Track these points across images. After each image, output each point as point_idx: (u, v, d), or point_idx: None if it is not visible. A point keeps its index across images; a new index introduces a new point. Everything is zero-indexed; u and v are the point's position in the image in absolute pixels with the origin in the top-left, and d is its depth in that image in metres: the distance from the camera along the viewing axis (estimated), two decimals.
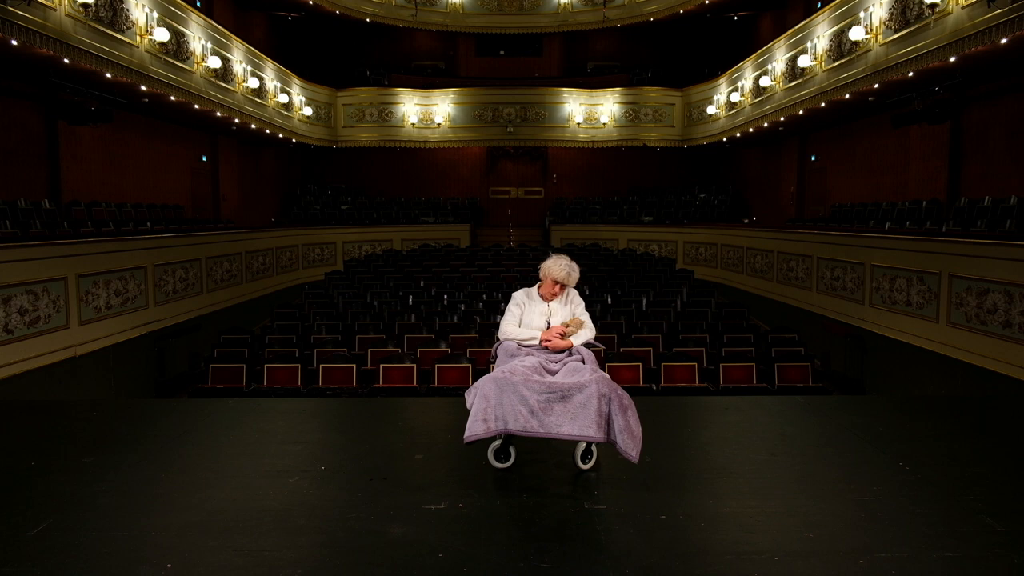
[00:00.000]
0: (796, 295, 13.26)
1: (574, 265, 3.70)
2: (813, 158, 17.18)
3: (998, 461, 3.63)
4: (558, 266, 3.65)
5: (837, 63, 12.88)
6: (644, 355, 8.50)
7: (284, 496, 3.14)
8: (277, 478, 3.35)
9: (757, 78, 16.69)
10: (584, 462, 3.43)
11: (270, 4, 19.70)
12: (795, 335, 10.09)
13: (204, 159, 17.10)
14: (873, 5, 11.55)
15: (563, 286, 3.70)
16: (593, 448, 3.45)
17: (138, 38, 11.28)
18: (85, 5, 9.76)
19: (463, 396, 3.45)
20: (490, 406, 3.26)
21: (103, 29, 10.37)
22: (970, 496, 3.13)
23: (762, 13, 19.81)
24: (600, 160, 23.37)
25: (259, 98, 16.50)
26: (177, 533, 2.79)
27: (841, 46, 12.75)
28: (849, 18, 12.41)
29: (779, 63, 15.47)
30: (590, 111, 21.19)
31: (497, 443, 3.44)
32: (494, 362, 3.74)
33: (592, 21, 21.11)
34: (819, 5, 15.61)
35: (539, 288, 3.78)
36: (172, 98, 12.67)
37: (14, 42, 8.69)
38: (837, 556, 2.61)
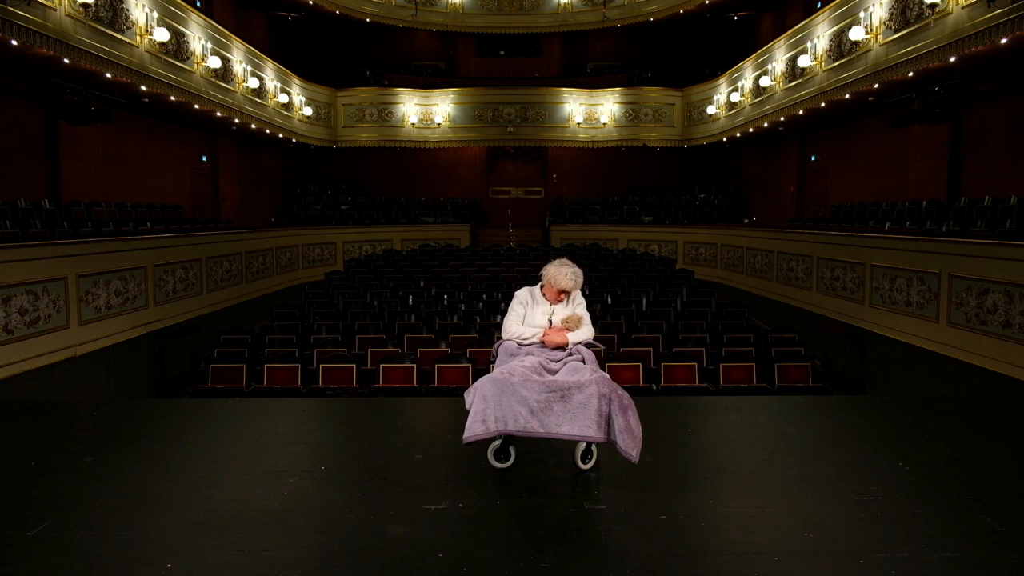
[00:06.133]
0: (796, 295, 13.26)
1: (579, 272, 3.64)
2: (813, 158, 17.18)
3: (998, 461, 3.63)
4: (562, 274, 3.59)
5: (837, 63, 12.87)
6: (644, 355, 8.50)
7: (284, 496, 3.14)
8: (277, 478, 3.35)
9: (757, 78, 16.69)
10: (584, 462, 3.43)
11: (270, 4, 19.70)
12: (795, 335, 10.09)
13: (204, 159, 17.10)
14: (873, 5, 11.55)
15: (568, 292, 3.69)
16: (593, 448, 3.45)
17: (138, 38, 11.28)
18: (85, 5, 9.76)
19: (463, 396, 3.45)
20: (489, 407, 3.26)
21: (103, 29, 10.37)
22: (970, 496, 3.13)
23: (762, 13, 19.80)
24: (600, 160, 23.37)
25: (259, 98, 16.50)
26: (177, 533, 2.79)
27: (841, 46, 12.74)
28: (849, 18, 12.41)
29: (779, 63, 15.47)
30: (590, 111, 21.19)
31: (497, 443, 3.44)
32: (494, 362, 3.74)
33: (592, 21, 21.11)
34: (819, 5, 15.61)
35: (542, 289, 3.77)
36: (172, 98, 12.67)
37: (14, 42, 8.69)
38: (837, 556, 2.61)
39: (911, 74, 10.73)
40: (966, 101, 11.56)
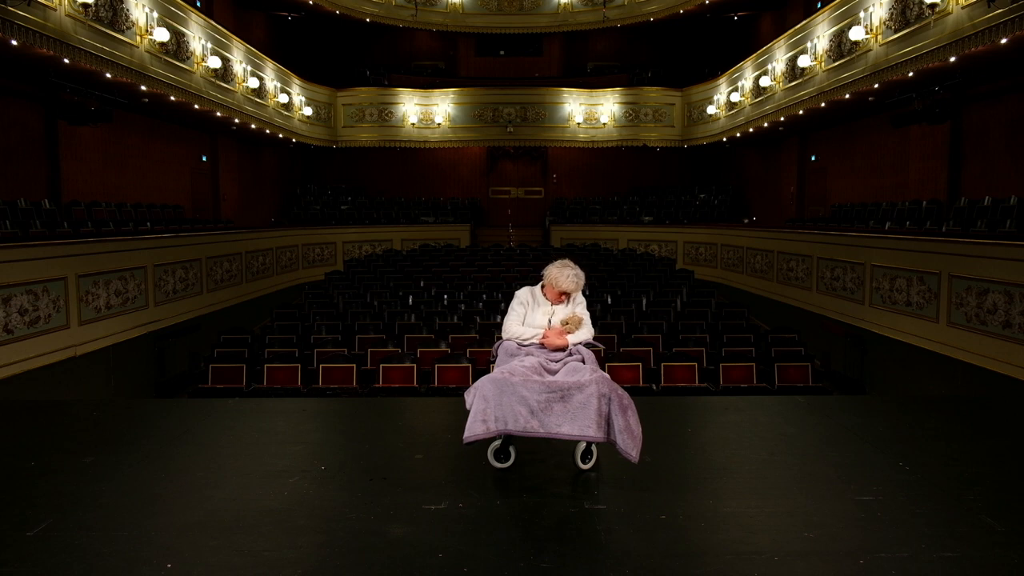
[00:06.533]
0: (796, 295, 13.26)
1: (580, 273, 3.63)
2: (813, 158, 17.18)
3: (998, 461, 3.63)
4: (564, 276, 3.58)
5: (837, 63, 12.87)
6: (644, 355, 8.50)
7: (284, 496, 3.14)
8: (277, 478, 3.35)
9: (757, 78, 16.69)
10: (584, 462, 3.43)
11: (270, 4, 19.69)
12: (795, 335, 10.09)
13: (204, 159, 17.10)
14: (873, 5, 11.55)
15: (569, 293, 3.68)
16: (593, 448, 3.45)
17: (138, 38, 11.28)
18: (85, 5, 9.76)
19: (463, 396, 3.45)
20: (489, 407, 3.26)
21: (103, 29, 10.37)
22: (970, 496, 3.13)
23: (762, 13, 19.80)
24: (600, 160, 23.37)
25: (259, 98, 16.50)
26: (177, 533, 2.79)
27: (841, 46, 12.74)
28: (849, 18, 12.41)
29: (779, 63, 15.47)
30: (590, 111, 21.19)
31: (497, 443, 3.44)
32: (494, 362, 3.74)
33: (592, 21, 21.11)
34: (819, 5, 15.61)
35: (543, 289, 3.76)
36: (172, 98, 12.67)
37: (14, 42, 8.69)
38: (837, 556, 2.61)
39: (911, 74, 10.73)
40: (966, 101, 11.56)
